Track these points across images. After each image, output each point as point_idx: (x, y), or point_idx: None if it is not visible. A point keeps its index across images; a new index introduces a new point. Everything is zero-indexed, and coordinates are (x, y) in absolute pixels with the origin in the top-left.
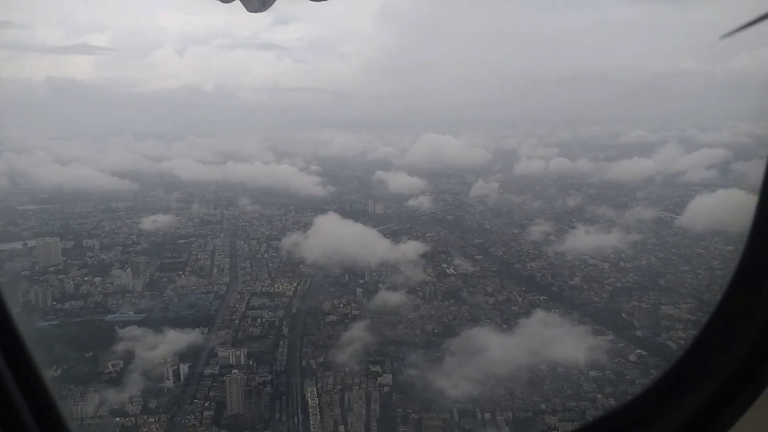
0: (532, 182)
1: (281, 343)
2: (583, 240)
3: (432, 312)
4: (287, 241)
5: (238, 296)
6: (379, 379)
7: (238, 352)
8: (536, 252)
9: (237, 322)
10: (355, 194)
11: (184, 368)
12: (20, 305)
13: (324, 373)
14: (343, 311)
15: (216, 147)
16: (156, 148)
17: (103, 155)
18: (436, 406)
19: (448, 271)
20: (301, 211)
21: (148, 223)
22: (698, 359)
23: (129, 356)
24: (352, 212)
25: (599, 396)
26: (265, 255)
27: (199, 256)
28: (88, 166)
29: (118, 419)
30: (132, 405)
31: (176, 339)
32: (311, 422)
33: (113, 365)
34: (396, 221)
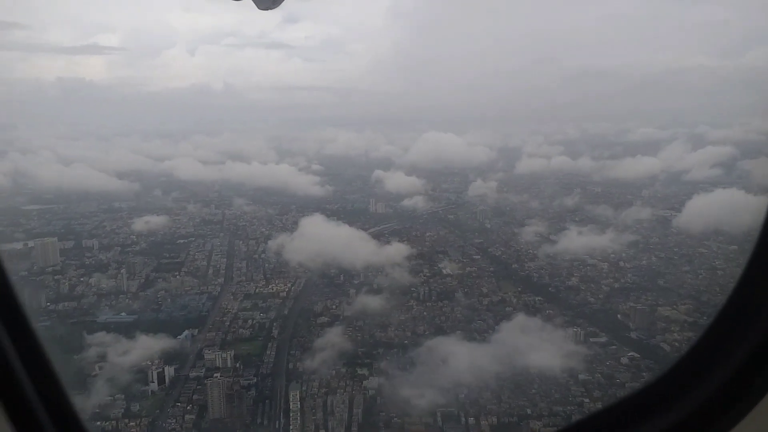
0: (533, 181)
1: (270, 345)
2: (582, 240)
3: (425, 313)
4: (275, 242)
5: (232, 297)
6: (365, 382)
7: (224, 355)
8: (535, 252)
9: (228, 323)
10: (358, 193)
11: (170, 371)
12: None
13: (310, 376)
14: (335, 313)
15: (220, 146)
16: (161, 148)
17: (108, 155)
18: (419, 411)
19: (444, 271)
20: (303, 211)
21: (140, 224)
22: (702, 357)
23: (114, 358)
24: (353, 211)
25: (587, 400)
26: (263, 255)
27: (196, 257)
28: (91, 166)
29: (98, 423)
30: (114, 408)
31: (153, 344)
32: (291, 427)
33: (99, 367)
34: (396, 220)
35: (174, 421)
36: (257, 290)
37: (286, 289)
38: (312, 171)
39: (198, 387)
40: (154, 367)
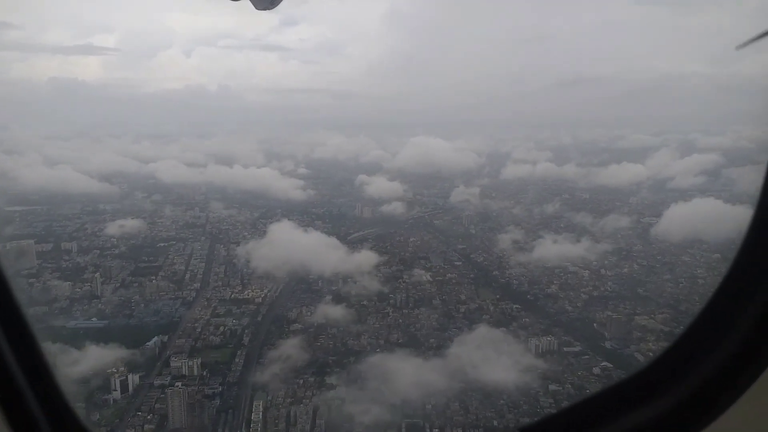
0: (519, 187)
1: (239, 353)
2: (565, 247)
3: (400, 320)
4: (254, 246)
5: (206, 303)
6: (332, 392)
7: (191, 363)
8: (516, 258)
9: (199, 330)
10: (346, 197)
11: (134, 378)
12: None
13: (277, 385)
14: (310, 320)
15: (209, 149)
16: (150, 150)
17: (95, 156)
18: (385, 422)
19: (424, 277)
20: (288, 215)
21: (121, 226)
22: (692, 345)
23: (76, 366)
24: (339, 216)
25: (554, 412)
26: (241, 260)
27: (175, 261)
28: (75, 168)
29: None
30: None
31: (120, 351)
32: None
33: (60, 376)
34: (381, 225)
35: (133, 430)
36: (233, 296)
37: (262, 295)
38: (297, 175)
39: (161, 396)
40: (117, 375)
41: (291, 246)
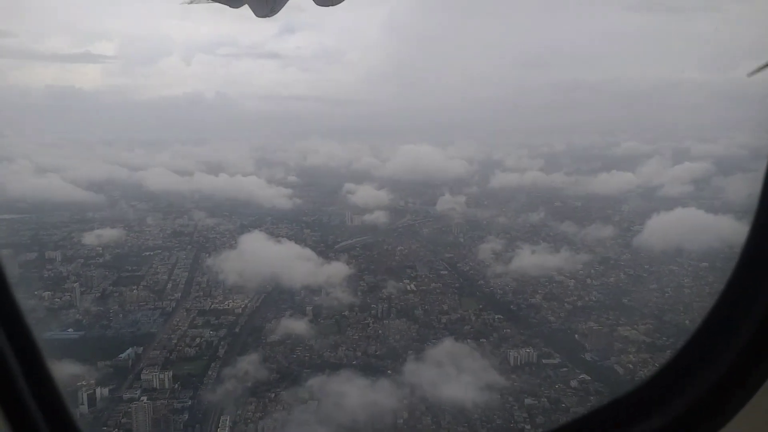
0: (505, 196)
1: (213, 365)
2: (551, 256)
3: (380, 332)
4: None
5: (185, 313)
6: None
7: (162, 375)
8: (502, 268)
9: (175, 341)
10: (336, 205)
11: (103, 392)
12: None
13: (248, 399)
14: (288, 332)
15: (201, 156)
16: (142, 157)
17: (86, 164)
18: None
19: (408, 287)
20: (277, 223)
21: (106, 235)
22: (696, 353)
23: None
24: (328, 225)
25: (528, 427)
26: (225, 269)
27: (158, 270)
28: (64, 176)
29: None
30: None
31: (92, 363)
32: None
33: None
34: (370, 234)
35: None
36: (212, 306)
37: (243, 306)
38: (286, 183)
39: (129, 409)
40: (85, 389)
41: (274, 255)
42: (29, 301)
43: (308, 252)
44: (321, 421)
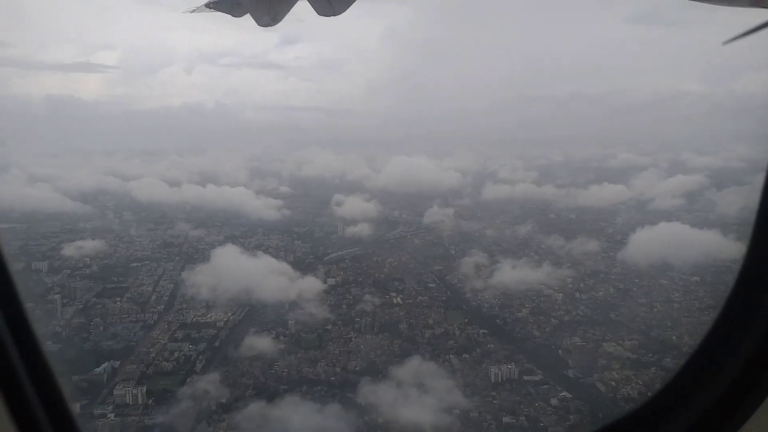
0: (496, 208)
1: (189, 380)
2: (540, 269)
3: (361, 347)
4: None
5: (166, 326)
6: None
7: (135, 391)
8: (489, 281)
9: (153, 355)
10: (329, 216)
11: (75, 408)
12: None
13: (221, 415)
14: (269, 345)
15: (196, 166)
16: (138, 167)
17: (78, 174)
18: None
19: (394, 300)
20: (268, 234)
21: (94, 245)
22: (701, 365)
23: None
24: (320, 236)
25: None
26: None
27: (144, 281)
28: (55, 186)
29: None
30: None
31: (68, 377)
32: None
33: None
34: (361, 246)
35: None
36: (194, 319)
37: (225, 319)
38: (276, 194)
39: (96, 427)
40: None
41: (258, 268)
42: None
43: (292, 265)
44: None
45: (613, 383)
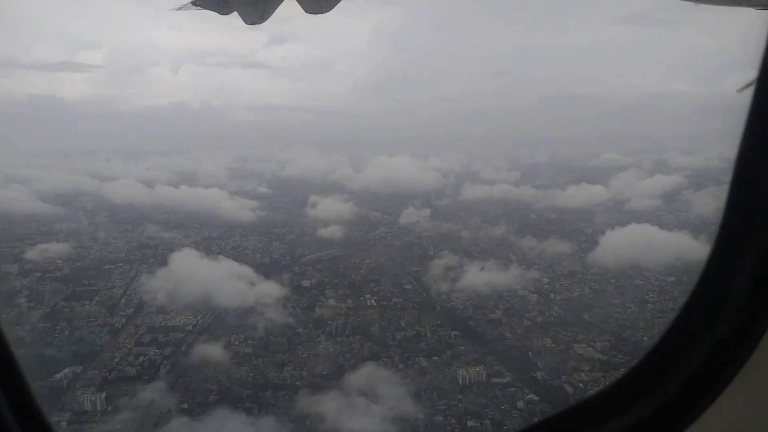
0: (473, 208)
1: (152, 386)
2: (515, 269)
3: (331, 350)
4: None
5: (134, 330)
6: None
7: (93, 397)
8: (464, 282)
9: (117, 360)
10: (307, 217)
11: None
12: None
13: (186, 422)
14: (236, 349)
15: (176, 167)
16: (118, 168)
17: (54, 175)
18: None
19: (368, 302)
20: (246, 235)
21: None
22: (665, 354)
23: None
24: (298, 237)
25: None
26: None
27: (115, 284)
28: (30, 187)
29: None
30: None
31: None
32: None
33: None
34: (338, 247)
35: None
36: (162, 323)
37: (194, 323)
38: (254, 195)
39: None
40: None
41: (229, 270)
42: None
43: (267, 267)
44: None
45: (581, 385)
